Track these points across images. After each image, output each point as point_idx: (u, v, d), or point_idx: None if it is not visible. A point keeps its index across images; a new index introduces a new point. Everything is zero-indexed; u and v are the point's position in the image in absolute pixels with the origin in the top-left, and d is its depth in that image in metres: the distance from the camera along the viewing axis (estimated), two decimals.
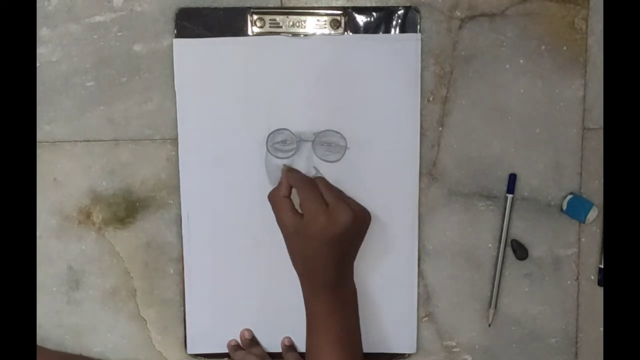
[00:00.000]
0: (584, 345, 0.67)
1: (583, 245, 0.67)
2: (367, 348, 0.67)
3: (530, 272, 0.67)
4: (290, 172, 0.63)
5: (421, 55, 0.64)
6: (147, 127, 0.65)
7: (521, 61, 0.64)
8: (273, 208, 0.62)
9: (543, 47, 0.64)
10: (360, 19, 0.63)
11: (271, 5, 0.63)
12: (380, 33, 0.63)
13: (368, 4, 0.64)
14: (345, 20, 0.63)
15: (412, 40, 0.63)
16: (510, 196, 0.65)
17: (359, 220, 0.61)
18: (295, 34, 0.63)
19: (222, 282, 0.66)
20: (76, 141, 0.66)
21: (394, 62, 0.63)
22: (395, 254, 0.66)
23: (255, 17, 0.63)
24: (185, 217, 0.66)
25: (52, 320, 0.67)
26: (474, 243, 0.66)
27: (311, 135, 0.64)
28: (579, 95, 0.65)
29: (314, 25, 0.63)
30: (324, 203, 0.60)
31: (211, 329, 0.67)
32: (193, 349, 0.68)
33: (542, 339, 0.67)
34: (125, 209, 0.66)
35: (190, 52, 0.64)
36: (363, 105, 0.64)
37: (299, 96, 0.64)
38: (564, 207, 0.65)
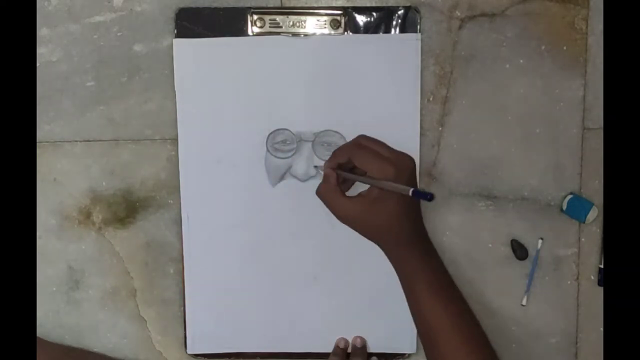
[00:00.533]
0: (584, 345, 0.67)
1: (583, 245, 0.67)
2: (368, 348, 0.67)
3: (530, 272, 0.66)
4: (329, 160, 0.61)
5: (421, 55, 0.64)
6: (147, 127, 0.65)
7: (521, 61, 0.64)
8: (326, 204, 0.60)
9: (543, 47, 0.64)
10: (360, 19, 0.63)
11: (271, 5, 0.63)
12: (380, 33, 0.63)
13: (368, 4, 0.64)
14: (345, 20, 0.63)
15: (412, 40, 0.63)
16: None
17: (414, 162, 0.60)
18: (295, 34, 0.64)
19: (222, 282, 0.67)
20: (76, 141, 0.66)
21: (394, 62, 0.63)
22: None
23: (255, 17, 0.63)
24: (185, 217, 0.66)
25: (52, 320, 0.67)
26: (474, 243, 0.66)
27: (311, 135, 0.64)
28: (579, 95, 0.65)
29: (314, 25, 0.63)
30: (383, 156, 0.59)
31: (211, 329, 0.67)
32: (193, 349, 0.68)
33: (542, 339, 0.67)
34: (125, 209, 0.66)
35: (190, 52, 0.64)
36: (363, 105, 0.64)
37: (299, 96, 0.64)
38: (564, 207, 0.65)
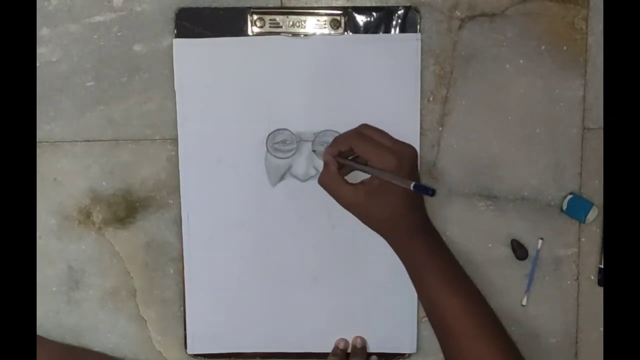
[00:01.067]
0: (584, 345, 0.67)
1: (583, 245, 0.67)
2: (368, 347, 0.67)
3: (530, 272, 0.66)
4: (330, 147, 0.61)
5: (421, 55, 0.64)
6: (147, 127, 0.65)
7: (521, 61, 0.64)
8: (329, 191, 0.60)
9: (543, 47, 0.64)
10: (360, 19, 0.63)
11: (271, 5, 0.63)
12: (380, 33, 0.63)
13: (368, 4, 0.64)
14: (345, 20, 0.63)
15: (412, 40, 0.63)
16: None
17: (415, 152, 0.60)
18: (295, 34, 0.64)
19: (222, 282, 0.67)
20: (76, 141, 0.66)
21: (394, 62, 0.63)
22: (395, 256, 0.65)
23: (255, 17, 0.63)
24: (185, 217, 0.66)
25: (52, 320, 0.67)
26: (474, 243, 0.66)
27: (311, 135, 0.64)
28: (579, 95, 0.65)
29: (314, 25, 0.63)
30: (384, 145, 0.58)
31: (211, 329, 0.67)
32: (193, 349, 0.68)
33: (542, 339, 0.67)
34: (125, 209, 0.66)
35: (190, 52, 0.64)
36: (363, 105, 0.64)
37: (299, 96, 0.64)
38: (564, 207, 0.65)
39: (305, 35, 0.63)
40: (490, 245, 0.66)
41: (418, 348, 0.67)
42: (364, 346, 0.67)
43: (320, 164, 0.64)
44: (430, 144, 0.65)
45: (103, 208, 0.66)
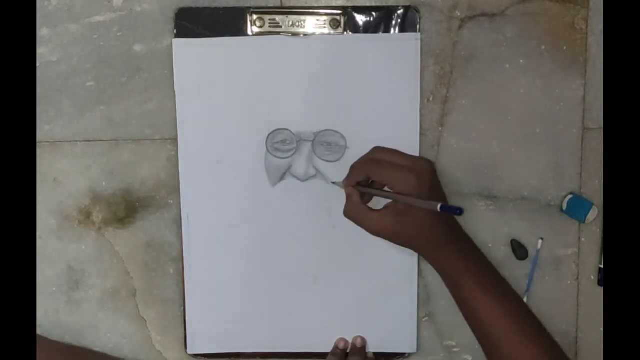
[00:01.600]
0: (584, 345, 0.67)
1: (583, 245, 0.67)
2: (368, 347, 0.67)
3: (530, 272, 0.66)
4: (348, 178, 0.61)
5: (421, 55, 0.64)
6: (147, 127, 0.65)
7: (521, 61, 0.64)
8: (356, 222, 0.60)
9: (543, 47, 0.64)
10: (360, 19, 0.63)
11: (271, 5, 0.63)
12: (380, 33, 0.63)
13: (367, 4, 0.63)
14: (345, 20, 0.63)
15: (412, 40, 0.63)
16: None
17: (432, 165, 0.60)
18: (294, 34, 0.64)
19: (222, 282, 0.67)
20: (76, 141, 0.66)
21: (393, 61, 0.63)
22: (396, 253, 0.66)
23: (255, 16, 0.63)
24: (185, 217, 0.66)
25: (52, 320, 0.67)
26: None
27: (311, 135, 0.64)
28: (579, 95, 0.65)
29: (314, 25, 0.63)
30: (400, 166, 0.58)
31: (211, 329, 0.67)
32: (193, 349, 0.68)
33: None
34: (125, 209, 0.66)
35: (190, 52, 0.64)
36: (363, 105, 0.64)
37: (299, 96, 0.64)
38: (564, 207, 0.65)
39: (305, 35, 0.63)
40: (490, 245, 0.66)
41: (418, 348, 0.67)
42: (363, 346, 0.67)
43: (320, 164, 0.64)
44: (430, 144, 0.65)
45: (103, 208, 0.66)
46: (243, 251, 0.66)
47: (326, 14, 0.63)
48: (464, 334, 0.67)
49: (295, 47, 0.63)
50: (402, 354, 0.67)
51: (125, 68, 0.64)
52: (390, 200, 0.59)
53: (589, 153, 0.65)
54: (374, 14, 0.63)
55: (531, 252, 0.66)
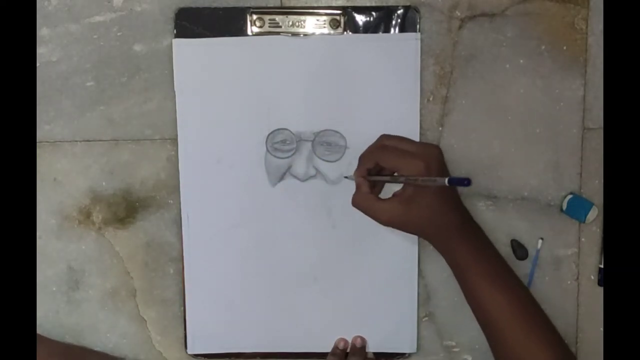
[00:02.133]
0: (584, 345, 0.67)
1: (583, 245, 0.67)
2: (368, 347, 0.67)
3: (530, 272, 0.66)
4: (358, 168, 0.61)
5: (421, 55, 0.64)
6: (147, 127, 0.65)
7: (521, 61, 0.64)
8: (365, 212, 0.60)
9: (543, 47, 0.64)
10: (360, 19, 0.63)
11: (271, 5, 0.63)
12: (380, 33, 0.63)
13: (367, 4, 0.63)
14: (345, 20, 0.63)
15: (412, 40, 0.63)
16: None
17: (440, 150, 0.60)
18: (294, 34, 0.64)
19: (222, 282, 0.67)
20: (76, 141, 0.66)
21: (393, 61, 0.63)
22: (396, 253, 0.66)
23: (254, 16, 0.63)
24: (185, 217, 0.66)
25: (52, 320, 0.67)
26: None
27: (311, 135, 0.64)
28: (579, 95, 0.65)
29: (314, 25, 0.63)
30: (408, 152, 0.58)
31: (211, 329, 0.67)
32: (193, 349, 0.68)
33: None
34: (125, 209, 0.66)
35: (190, 52, 0.64)
36: (363, 105, 0.64)
37: (299, 96, 0.64)
38: (564, 207, 0.65)
39: (305, 35, 0.63)
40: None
41: (418, 347, 0.67)
42: (363, 346, 0.67)
43: (320, 164, 0.64)
44: None
45: (103, 208, 0.66)
46: (243, 251, 0.66)
47: (326, 14, 0.63)
48: (464, 334, 0.67)
49: (295, 47, 0.63)
50: (402, 354, 0.67)
51: (125, 68, 0.64)
52: (398, 190, 0.59)
53: (589, 153, 0.65)
54: (373, 14, 0.63)
55: (531, 252, 0.66)
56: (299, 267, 0.66)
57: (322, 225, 0.66)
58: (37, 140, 0.65)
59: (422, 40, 0.64)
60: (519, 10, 0.64)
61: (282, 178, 0.65)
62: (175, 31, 0.64)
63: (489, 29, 0.64)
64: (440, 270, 0.66)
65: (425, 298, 0.67)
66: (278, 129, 0.64)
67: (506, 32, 0.64)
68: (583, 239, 0.67)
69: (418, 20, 0.63)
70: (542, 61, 0.64)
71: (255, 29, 0.64)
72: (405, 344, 0.67)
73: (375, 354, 0.67)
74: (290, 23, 0.63)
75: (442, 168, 0.59)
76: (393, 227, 0.59)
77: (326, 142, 0.64)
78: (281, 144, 0.65)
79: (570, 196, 0.65)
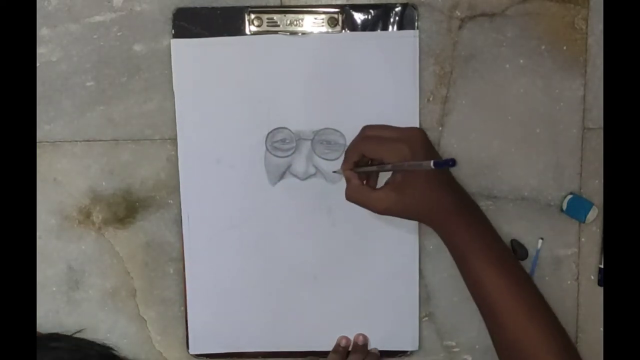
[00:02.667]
0: (584, 345, 0.67)
1: (583, 245, 0.67)
2: (370, 345, 0.67)
3: (531, 272, 0.66)
4: (344, 162, 0.60)
5: (421, 55, 0.64)
6: (147, 127, 0.65)
7: (521, 61, 0.64)
8: (360, 204, 0.59)
9: (543, 47, 0.64)
10: (358, 17, 0.63)
11: (268, 4, 0.63)
12: (378, 30, 0.63)
13: (365, 2, 0.63)
14: (343, 18, 0.63)
15: (410, 37, 0.63)
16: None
17: (423, 132, 0.59)
18: (293, 33, 0.64)
19: (222, 282, 0.67)
20: (76, 141, 0.66)
21: (392, 59, 0.63)
22: (396, 250, 0.66)
23: (252, 16, 0.63)
24: (185, 217, 0.66)
25: (52, 320, 0.67)
26: None
27: (310, 133, 0.64)
28: (579, 95, 0.65)
29: (312, 23, 0.63)
30: (391, 138, 0.57)
31: (213, 328, 0.67)
32: (195, 349, 0.68)
33: None
34: (125, 209, 0.66)
35: (189, 52, 0.64)
36: (362, 103, 0.64)
37: (298, 95, 0.64)
38: (564, 207, 0.65)
39: (303, 33, 0.63)
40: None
41: (420, 345, 0.67)
42: (365, 343, 0.67)
43: (319, 163, 0.65)
44: None
45: (103, 208, 0.66)
46: (243, 250, 0.66)
47: (324, 13, 0.63)
48: (464, 334, 0.67)
49: (294, 45, 0.63)
50: (404, 352, 0.67)
51: (125, 68, 0.64)
52: (389, 178, 0.59)
53: (589, 153, 0.65)
54: (371, 11, 0.63)
55: (531, 252, 0.66)
56: (299, 266, 0.66)
57: (322, 224, 0.66)
58: (37, 140, 0.65)
59: (422, 40, 0.64)
60: (519, 10, 0.64)
61: (282, 177, 0.65)
62: (173, 31, 0.64)
63: (489, 29, 0.64)
64: (440, 270, 0.66)
65: (425, 298, 0.67)
66: (277, 128, 0.64)
67: (506, 32, 0.64)
68: (583, 239, 0.66)
69: (416, 18, 0.63)
70: (542, 61, 0.64)
71: (254, 28, 0.64)
72: (406, 342, 0.67)
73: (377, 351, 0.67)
74: (289, 22, 0.63)
75: (428, 149, 0.58)
76: (391, 214, 0.58)
77: (326, 141, 0.64)
78: (281, 143, 0.65)
79: (570, 196, 0.65)
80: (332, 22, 0.63)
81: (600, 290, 0.67)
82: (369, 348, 0.67)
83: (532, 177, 0.65)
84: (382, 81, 0.64)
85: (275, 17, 0.63)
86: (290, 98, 0.64)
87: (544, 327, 0.57)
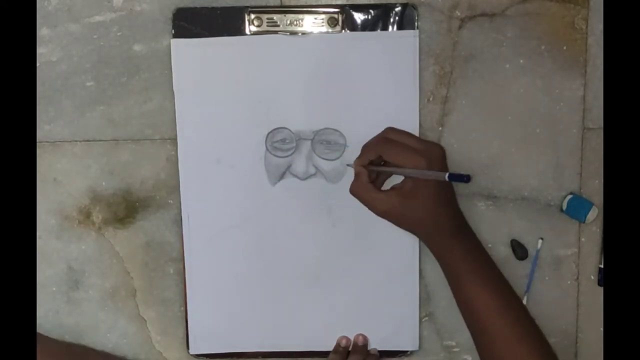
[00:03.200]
0: (584, 345, 0.67)
1: (583, 245, 0.67)
2: (370, 346, 0.67)
3: (530, 272, 0.66)
4: (360, 157, 0.61)
5: (421, 55, 0.64)
6: (147, 127, 0.65)
7: (521, 61, 0.64)
8: (362, 200, 0.60)
9: (543, 47, 0.64)
10: (358, 17, 0.63)
11: (268, 4, 0.63)
12: (378, 30, 0.63)
13: (365, 2, 0.63)
14: (343, 18, 0.63)
15: (410, 37, 0.63)
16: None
17: (443, 150, 0.60)
18: (293, 33, 0.64)
19: (223, 282, 0.67)
20: (76, 141, 0.66)
21: (392, 59, 0.63)
22: (397, 250, 0.66)
23: (252, 16, 0.63)
24: (185, 217, 0.66)
25: (52, 320, 0.67)
26: None
27: (310, 133, 0.64)
28: (579, 95, 0.65)
29: (312, 23, 0.63)
30: (413, 148, 0.58)
31: (213, 328, 0.67)
32: (196, 349, 0.67)
33: None
34: (125, 209, 0.66)
35: (188, 52, 0.64)
36: (362, 102, 0.64)
37: (298, 95, 0.64)
38: (564, 207, 0.65)
39: (303, 33, 0.63)
40: (490, 245, 0.66)
41: (420, 345, 0.67)
42: (365, 344, 0.67)
43: (319, 163, 0.65)
44: None
45: (103, 208, 0.66)
46: (244, 250, 0.66)
47: (324, 13, 0.63)
48: (464, 334, 0.67)
49: (294, 46, 0.63)
50: (405, 352, 0.67)
51: (125, 68, 0.64)
52: (397, 183, 0.59)
53: (589, 153, 0.65)
54: (371, 11, 0.63)
55: (531, 252, 0.66)
56: (299, 266, 0.66)
57: (322, 224, 0.66)
58: (37, 140, 0.65)
59: (422, 40, 0.64)
60: (519, 10, 0.64)
61: (282, 177, 0.65)
62: (173, 31, 0.64)
63: (489, 29, 0.64)
64: (440, 270, 0.66)
65: (425, 298, 0.67)
66: (277, 128, 0.64)
67: (506, 32, 0.64)
68: (583, 239, 0.66)
69: (416, 18, 0.63)
70: (542, 61, 0.64)
71: (254, 29, 0.64)
72: (407, 342, 0.67)
73: (378, 351, 0.67)
74: (289, 22, 0.63)
75: (443, 168, 0.60)
76: (388, 219, 0.60)
77: (326, 141, 0.64)
78: (281, 143, 0.65)
79: (570, 196, 0.65)
80: (332, 22, 0.63)
81: (600, 290, 0.67)
82: (368, 348, 0.67)
83: (532, 177, 0.65)
84: (382, 81, 0.64)
85: (275, 17, 0.63)
86: (290, 98, 0.64)
87: (533, 349, 0.58)
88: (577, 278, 0.67)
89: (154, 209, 0.66)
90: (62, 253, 0.67)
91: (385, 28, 0.63)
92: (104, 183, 0.66)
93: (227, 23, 0.63)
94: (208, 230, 0.66)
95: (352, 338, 0.67)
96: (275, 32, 0.63)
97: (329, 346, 0.67)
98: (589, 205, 0.65)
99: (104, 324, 0.68)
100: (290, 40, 0.64)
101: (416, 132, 0.64)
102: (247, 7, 0.63)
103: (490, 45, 0.64)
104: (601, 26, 0.64)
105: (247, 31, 0.64)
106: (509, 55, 0.64)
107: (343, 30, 0.64)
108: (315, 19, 0.63)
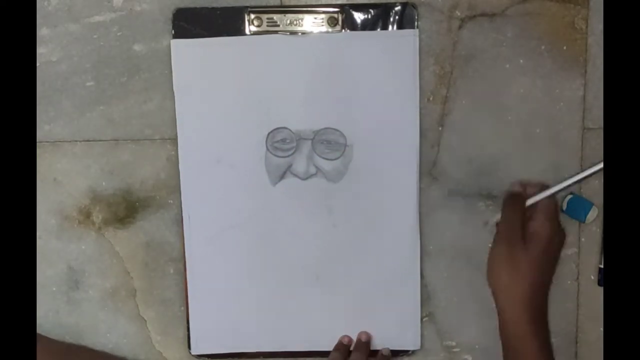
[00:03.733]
0: (584, 345, 0.67)
1: (583, 245, 0.67)
2: (372, 345, 0.67)
3: None
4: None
5: (421, 55, 0.64)
6: (147, 127, 0.65)
7: (521, 61, 0.64)
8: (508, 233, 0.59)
9: (543, 47, 0.64)
10: (358, 16, 0.63)
11: (268, 4, 0.63)
12: (378, 30, 0.63)
13: (365, 1, 0.63)
14: (343, 18, 0.63)
15: (410, 36, 0.63)
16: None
17: (559, 235, 0.60)
18: (292, 33, 0.64)
19: (224, 282, 0.67)
20: (76, 141, 0.66)
21: (392, 58, 0.63)
22: (396, 253, 0.66)
23: (252, 16, 0.63)
24: (186, 217, 0.66)
25: (52, 320, 0.67)
26: (474, 243, 0.66)
27: (310, 133, 0.64)
28: (579, 95, 0.65)
29: (312, 23, 0.63)
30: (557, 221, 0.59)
31: (214, 329, 0.67)
32: (197, 349, 0.68)
33: None
34: (125, 208, 0.66)
35: (188, 52, 0.64)
36: (362, 102, 0.64)
37: (298, 94, 0.64)
38: (564, 207, 0.65)
39: (303, 33, 0.64)
40: (490, 245, 0.66)
41: (422, 344, 0.67)
42: (367, 341, 0.67)
43: (320, 162, 0.65)
44: (430, 144, 0.65)
45: (103, 208, 0.66)
46: (244, 250, 0.66)
47: (324, 12, 0.63)
48: (464, 334, 0.67)
49: (294, 45, 0.64)
50: (406, 351, 0.67)
51: (125, 68, 0.64)
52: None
53: (589, 153, 0.65)
54: (371, 11, 0.63)
55: None
56: (300, 266, 0.66)
57: (323, 224, 0.66)
58: (37, 140, 0.65)
59: (422, 39, 0.64)
60: (519, 10, 0.64)
61: (282, 177, 0.65)
62: (173, 32, 0.64)
63: (489, 29, 0.64)
64: (440, 270, 0.66)
65: (425, 298, 0.67)
66: (278, 128, 0.64)
67: (506, 32, 0.64)
68: (583, 239, 0.66)
69: (416, 17, 0.63)
70: (542, 61, 0.64)
71: (253, 29, 0.64)
72: (408, 341, 0.67)
73: (377, 351, 0.67)
74: (288, 22, 0.63)
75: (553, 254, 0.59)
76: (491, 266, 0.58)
77: (326, 140, 0.64)
78: (281, 143, 0.65)
79: (570, 196, 0.65)
80: (332, 21, 0.63)
81: (600, 290, 0.67)
82: (379, 349, 0.67)
83: (532, 177, 0.65)
84: (382, 80, 0.64)
85: (275, 17, 0.63)
86: (291, 98, 0.64)
87: None
88: (577, 278, 0.67)
89: (154, 209, 0.66)
90: (62, 253, 0.67)
91: (385, 28, 0.63)
92: (104, 183, 0.66)
93: (227, 23, 0.63)
94: (208, 230, 0.66)
95: (354, 337, 0.67)
96: (275, 32, 0.63)
97: (329, 346, 0.67)
98: (589, 205, 0.65)
99: (104, 324, 0.68)
100: (290, 40, 0.64)
101: (417, 134, 0.64)
102: (247, 7, 0.63)
103: (490, 45, 0.64)
104: (601, 26, 0.64)
105: (247, 31, 0.64)
106: (509, 55, 0.64)
107: (343, 30, 0.64)
108: (315, 18, 0.63)
